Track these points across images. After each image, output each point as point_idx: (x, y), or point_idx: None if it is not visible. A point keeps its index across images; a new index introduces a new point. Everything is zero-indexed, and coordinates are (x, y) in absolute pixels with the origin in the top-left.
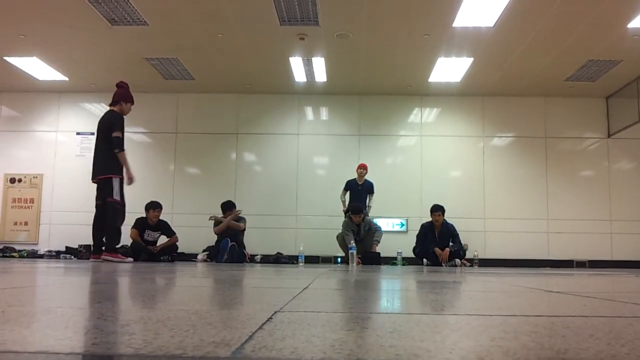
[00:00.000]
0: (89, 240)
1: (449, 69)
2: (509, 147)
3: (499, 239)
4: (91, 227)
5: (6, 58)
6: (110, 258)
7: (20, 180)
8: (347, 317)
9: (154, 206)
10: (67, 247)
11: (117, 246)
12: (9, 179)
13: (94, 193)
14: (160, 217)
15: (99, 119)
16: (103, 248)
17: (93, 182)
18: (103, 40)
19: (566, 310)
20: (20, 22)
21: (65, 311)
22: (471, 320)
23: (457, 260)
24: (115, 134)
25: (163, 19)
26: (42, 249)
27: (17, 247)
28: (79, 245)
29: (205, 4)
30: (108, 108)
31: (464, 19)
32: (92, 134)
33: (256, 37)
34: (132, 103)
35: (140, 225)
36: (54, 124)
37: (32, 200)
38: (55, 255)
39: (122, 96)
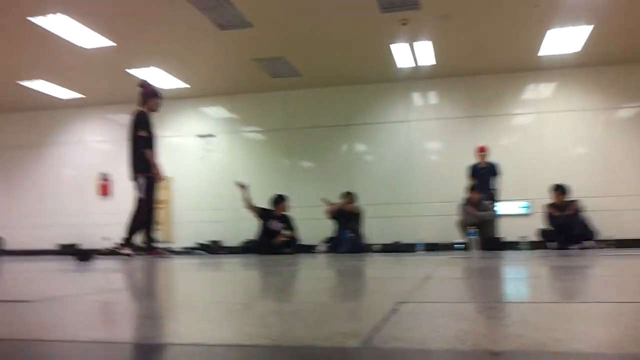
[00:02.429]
0: (216, 236)
1: (564, 40)
2: (638, 118)
3: (637, 217)
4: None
5: (128, 70)
6: (123, 252)
7: None
8: (471, 307)
9: (283, 198)
10: (198, 244)
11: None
12: None
13: (219, 191)
14: None
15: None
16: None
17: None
18: (214, 46)
19: None
20: (141, 37)
21: (207, 306)
22: (602, 308)
23: (587, 242)
24: (140, 134)
25: (267, 20)
26: (176, 246)
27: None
28: (209, 241)
29: (306, 1)
30: (223, 111)
31: None
32: (212, 135)
33: (358, 28)
34: (157, 97)
35: (266, 215)
36: (176, 129)
37: (165, 202)
38: (189, 251)
39: (145, 95)
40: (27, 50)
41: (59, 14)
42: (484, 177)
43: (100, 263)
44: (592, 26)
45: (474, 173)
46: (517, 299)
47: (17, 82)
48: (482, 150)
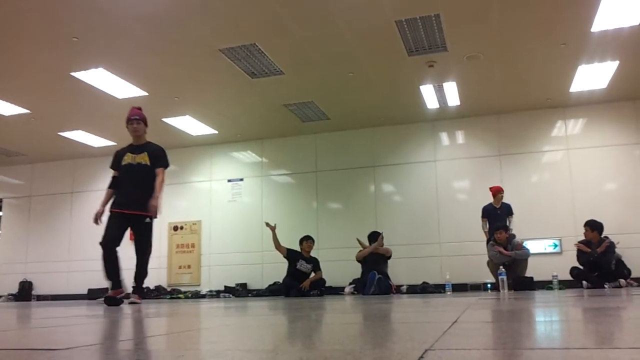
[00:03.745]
0: (244, 279)
1: (592, 76)
2: None
3: None
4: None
5: (164, 119)
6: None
7: (181, 228)
8: (500, 354)
9: (307, 238)
10: (225, 287)
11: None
12: (172, 227)
13: (246, 234)
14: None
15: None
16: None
17: None
18: (245, 93)
19: None
20: (174, 87)
21: (235, 354)
22: (636, 354)
23: (622, 281)
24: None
25: (297, 67)
26: (203, 289)
27: (183, 289)
28: (235, 284)
29: (335, 48)
30: (253, 156)
31: (602, 22)
32: (241, 179)
33: (386, 71)
34: (128, 122)
35: (295, 255)
36: (207, 174)
37: (193, 245)
38: (216, 294)
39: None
40: (68, 103)
41: (100, 68)
42: (499, 218)
43: (128, 308)
44: (617, 62)
45: (488, 214)
46: (547, 345)
47: (58, 133)
48: (498, 191)
